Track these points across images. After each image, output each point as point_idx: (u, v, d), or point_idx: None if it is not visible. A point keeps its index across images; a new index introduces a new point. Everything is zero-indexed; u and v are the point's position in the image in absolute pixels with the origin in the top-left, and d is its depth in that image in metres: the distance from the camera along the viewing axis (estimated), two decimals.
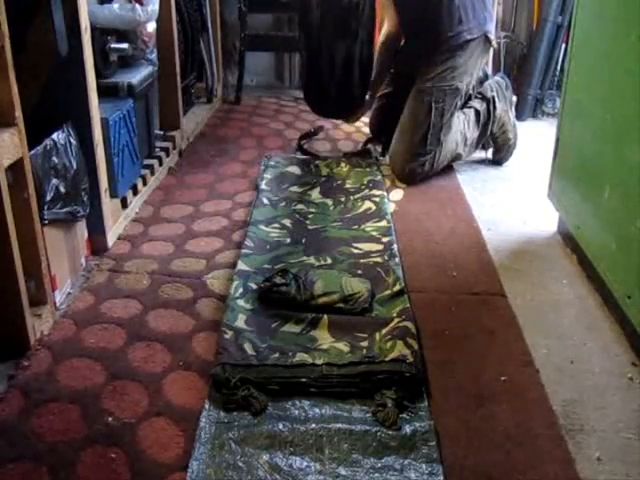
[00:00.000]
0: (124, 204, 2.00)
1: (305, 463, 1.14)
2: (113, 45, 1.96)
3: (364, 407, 1.26)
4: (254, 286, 1.61)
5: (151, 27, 2.16)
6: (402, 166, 2.32)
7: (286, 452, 1.16)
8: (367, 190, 2.22)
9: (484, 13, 2.30)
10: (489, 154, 2.58)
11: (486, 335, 1.50)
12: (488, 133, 2.46)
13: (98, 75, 1.74)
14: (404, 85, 2.41)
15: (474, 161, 2.57)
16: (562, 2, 2.88)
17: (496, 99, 2.43)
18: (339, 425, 1.21)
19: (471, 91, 2.41)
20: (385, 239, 1.88)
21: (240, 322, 1.48)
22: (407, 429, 1.21)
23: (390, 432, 1.20)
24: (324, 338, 1.44)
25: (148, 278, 1.70)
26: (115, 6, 1.88)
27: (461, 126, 2.37)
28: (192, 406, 1.26)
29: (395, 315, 1.51)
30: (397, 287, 1.62)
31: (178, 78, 2.50)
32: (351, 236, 1.91)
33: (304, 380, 1.30)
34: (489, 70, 2.87)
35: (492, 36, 2.33)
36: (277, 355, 1.37)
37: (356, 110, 2.56)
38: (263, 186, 2.23)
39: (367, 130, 2.80)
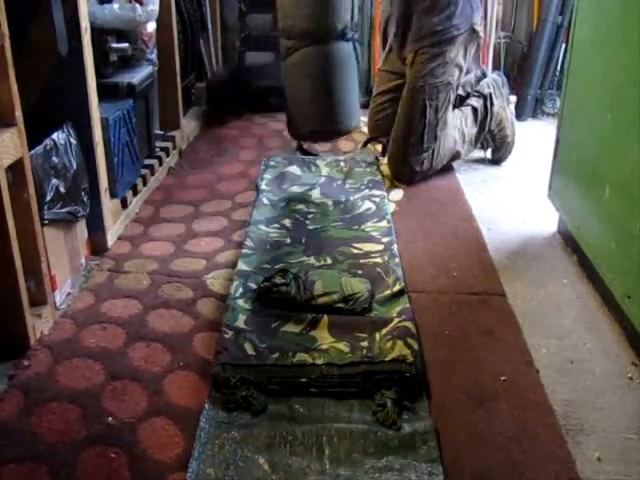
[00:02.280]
0: (124, 204, 2.00)
1: (305, 463, 1.13)
2: (113, 45, 1.96)
3: (364, 407, 1.26)
4: (254, 286, 1.61)
5: (151, 27, 2.16)
6: (401, 166, 2.32)
7: (286, 452, 1.15)
8: (367, 190, 2.22)
9: (471, 6, 2.27)
10: (488, 154, 2.58)
11: (486, 335, 1.50)
12: (486, 130, 2.46)
13: (98, 75, 1.74)
14: (401, 84, 2.41)
15: (474, 161, 2.57)
16: (562, 2, 2.88)
17: (493, 96, 2.43)
18: (339, 425, 1.21)
19: (469, 89, 2.41)
20: (385, 239, 1.88)
21: (240, 322, 1.48)
22: (407, 429, 1.21)
23: (390, 432, 1.20)
24: (324, 338, 1.44)
25: (148, 278, 1.70)
26: (115, 6, 1.88)
27: (459, 124, 2.37)
28: (192, 406, 1.26)
29: (395, 315, 1.51)
30: (397, 287, 1.62)
31: (178, 78, 2.50)
32: (351, 236, 1.91)
33: (304, 380, 1.30)
34: (489, 69, 2.87)
35: (479, 27, 2.31)
36: (277, 355, 1.37)
37: None
38: (263, 186, 2.23)
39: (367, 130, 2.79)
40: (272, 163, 2.43)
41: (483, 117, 2.43)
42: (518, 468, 1.14)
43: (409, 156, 2.29)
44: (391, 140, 2.36)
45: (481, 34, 2.33)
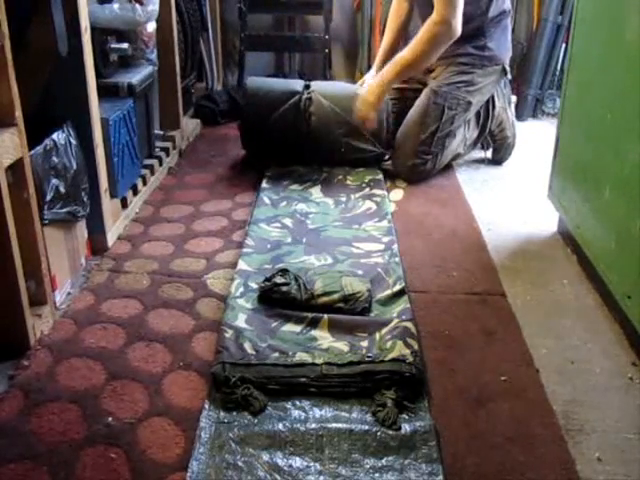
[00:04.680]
0: (124, 204, 2.00)
1: (305, 463, 1.14)
2: (113, 45, 1.96)
3: (364, 407, 1.26)
4: (254, 285, 1.61)
5: (151, 27, 2.16)
6: (405, 162, 2.32)
7: (286, 452, 1.16)
8: (368, 189, 2.22)
9: (505, 46, 2.37)
10: (489, 154, 2.58)
11: (486, 335, 1.50)
12: (487, 131, 2.47)
13: (98, 75, 1.74)
14: (410, 89, 2.46)
15: (474, 161, 2.57)
16: (562, 2, 2.88)
17: (495, 97, 2.44)
18: (339, 425, 1.21)
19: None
20: (386, 239, 1.89)
21: (240, 321, 1.48)
22: (407, 429, 1.21)
23: (390, 432, 1.20)
24: (324, 338, 1.44)
25: (148, 278, 1.70)
26: (115, 6, 1.88)
27: (462, 128, 2.39)
28: (192, 406, 1.26)
29: (395, 315, 1.51)
30: (397, 287, 1.62)
31: (178, 78, 2.50)
32: (352, 236, 1.91)
33: (304, 380, 1.30)
34: None
35: (508, 68, 2.40)
36: (277, 354, 1.37)
37: None
38: (264, 185, 2.23)
39: None
40: (273, 161, 2.43)
41: (484, 119, 2.44)
42: (518, 468, 1.14)
43: (415, 154, 2.30)
44: (399, 135, 2.36)
45: (509, 75, 2.42)
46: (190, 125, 2.77)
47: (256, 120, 2.37)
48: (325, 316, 1.49)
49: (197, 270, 1.74)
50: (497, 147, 2.54)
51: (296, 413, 1.25)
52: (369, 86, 2.27)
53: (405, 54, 2.18)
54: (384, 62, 2.47)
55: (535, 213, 2.12)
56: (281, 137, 2.37)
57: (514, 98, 2.93)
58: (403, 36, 2.58)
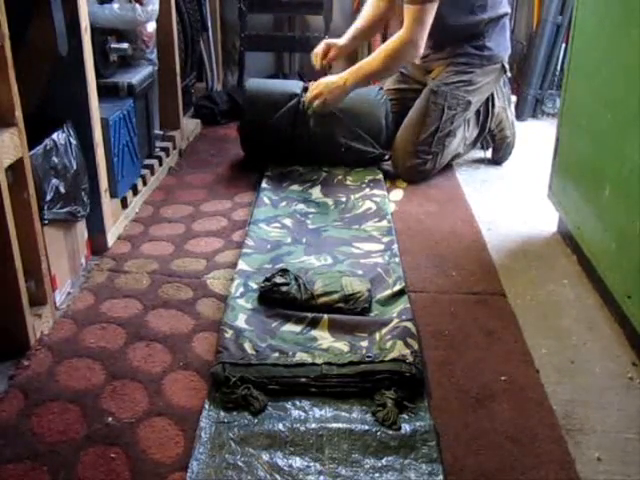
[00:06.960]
0: (124, 204, 2.00)
1: (305, 463, 1.14)
2: (113, 45, 1.96)
3: (364, 407, 1.26)
4: (254, 285, 1.61)
5: (151, 27, 2.16)
6: (405, 162, 2.32)
7: (286, 452, 1.16)
8: (368, 189, 2.22)
9: (504, 45, 2.38)
10: (488, 154, 2.58)
11: (486, 335, 1.50)
12: (487, 130, 2.48)
13: (98, 75, 1.74)
14: (409, 89, 2.47)
15: (474, 161, 2.57)
16: (562, 2, 2.88)
17: (495, 96, 2.44)
18: (339, 425, 1.21)
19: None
20: (385, 239, 1.89)
21: (240, 321, 1.48)
22: (407, 429, 1.21)
23: (390, 432, 1.20)
24: (324, 338, 1.44)
25: (148, 278, 1.70)
26: (115, 6, 1.88)
27: (462, 129, 2.39)
28: (192, 406, 1.26)
29: (395, 315, 1.51)
30: (397, 287, 1.62)
31: (178, 78, 2.50)
32: (351, 236, 1.91)
33: (304, 380, 1.30)
34: None
35: (507, 66, 2.41)
36: (277, 354, 1.37)
37: None
38: (264, 185, 2.23)
39: None
40: (272, 162, 2.43)
41: (484, 118, 2.45)
42: (518, 468, 1.14)
43: (415, 153, 2.30)
44: (399, 135, 2.37)
45: (508, 73, 2.43)
46: (190, 125, 2.77)
47: (255, 124, 2.37)
48: (325, 316, 1.49)
49: (197, 270, 1.74)
50: (497, 147, 2.54)
51: (296, 413, 1.25)
52: (330, 83, 2.22)
53: (370, 63, 2.21)
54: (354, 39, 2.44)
55: (535, 213, 2.12)
56: (280, 140, 2.36)
57: (514, 98, 2.93)
58: (380, 28, 2.70)
